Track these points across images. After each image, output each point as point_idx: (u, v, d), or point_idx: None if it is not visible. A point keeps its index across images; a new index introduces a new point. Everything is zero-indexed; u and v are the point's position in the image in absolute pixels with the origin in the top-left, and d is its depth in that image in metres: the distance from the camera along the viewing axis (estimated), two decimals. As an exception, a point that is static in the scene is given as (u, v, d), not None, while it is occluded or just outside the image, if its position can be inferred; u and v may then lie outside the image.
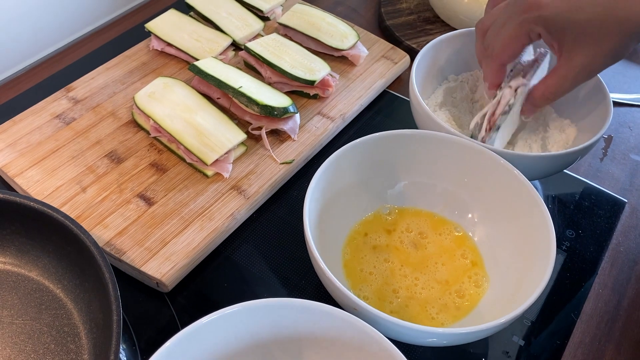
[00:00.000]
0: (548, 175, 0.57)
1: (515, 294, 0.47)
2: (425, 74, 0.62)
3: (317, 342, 0.42)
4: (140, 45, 0.72)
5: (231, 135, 0.59)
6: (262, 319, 0.41)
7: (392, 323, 0.41)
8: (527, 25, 0.45)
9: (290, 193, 0.61)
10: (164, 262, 0.51)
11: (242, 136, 0.59)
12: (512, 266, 0.49)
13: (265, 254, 0.55)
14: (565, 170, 0.65)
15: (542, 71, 0.55)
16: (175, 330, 0.50)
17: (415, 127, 0.60)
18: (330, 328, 0.41)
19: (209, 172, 0.58)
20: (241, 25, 0.72)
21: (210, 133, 0.58)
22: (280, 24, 0.74)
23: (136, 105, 0.61)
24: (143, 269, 0.51)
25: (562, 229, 0.59)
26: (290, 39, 0.72)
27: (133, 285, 0.52)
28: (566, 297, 0.54)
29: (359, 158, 0.53)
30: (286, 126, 0.62)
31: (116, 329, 0.42)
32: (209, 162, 0.57)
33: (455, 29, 0.79)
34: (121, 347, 0.47)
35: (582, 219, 0.61)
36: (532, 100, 0.52)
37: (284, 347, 0.42)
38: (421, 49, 0.60)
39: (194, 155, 0.57)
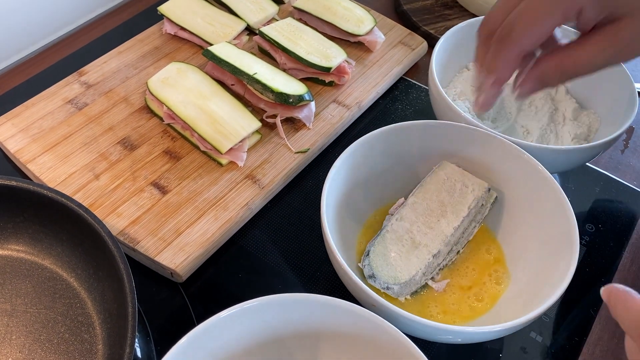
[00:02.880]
0: (570, 168, 0.56)
1: (535, 291, 0.46)
2: (444, 62, 0.61)
3: (334, 337, 0.41)
4: (153, 28, 0.70)
5: (245, 123, 0.58)
6: (279, 314, 0.40)
7: (410, 320, 0.40)
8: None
9: (305, 182, 0.60)
10: (178, 252, 0.51)
11: (256, 124, 0.58)
12: (533, 263, 0.48)
13: (280, 245, 0.55)
14: (585, 163, 0.63)
15: None
16: (189, 320, 0.50)
17: (433, 116, 0.59)
18: (347, 324, 0.40)
19: (223, 161, 0.57)
20: (255, 8, 0.70)
21: (224, 120, 0.57)
22: (295, 7, 0.72)
23: (149, 91, 0.60)
24: (157, 259, 0.50)
25: (582, 223, 0.58)
26: (306, 24, 0.70)
27: (147, 274, 0.52)
28: (585, 293, 0.53)
29: (377, 149, 0.52)
30: (301, 114, 0.61)
31: (131, 322, 0.41)
32: (224, 150, 0.56)
33: (474, 14, 0.77)
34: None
35: (602, 213, 0.59)
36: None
37: (301, 342, 0.42)
38: (439, 34, 0.59)
39: (208, 143, 0.56)
